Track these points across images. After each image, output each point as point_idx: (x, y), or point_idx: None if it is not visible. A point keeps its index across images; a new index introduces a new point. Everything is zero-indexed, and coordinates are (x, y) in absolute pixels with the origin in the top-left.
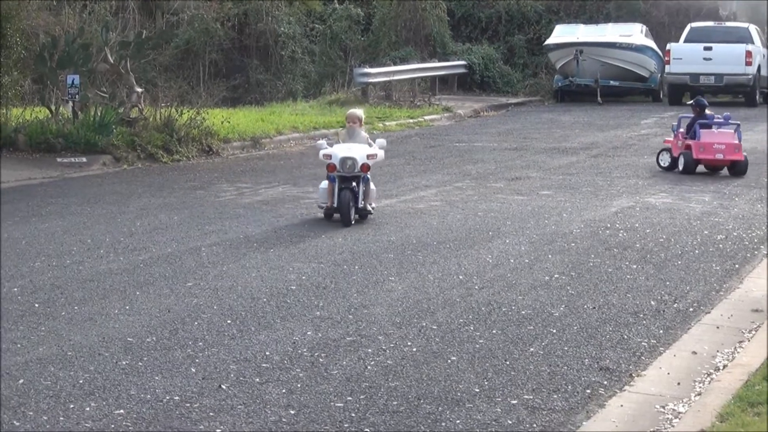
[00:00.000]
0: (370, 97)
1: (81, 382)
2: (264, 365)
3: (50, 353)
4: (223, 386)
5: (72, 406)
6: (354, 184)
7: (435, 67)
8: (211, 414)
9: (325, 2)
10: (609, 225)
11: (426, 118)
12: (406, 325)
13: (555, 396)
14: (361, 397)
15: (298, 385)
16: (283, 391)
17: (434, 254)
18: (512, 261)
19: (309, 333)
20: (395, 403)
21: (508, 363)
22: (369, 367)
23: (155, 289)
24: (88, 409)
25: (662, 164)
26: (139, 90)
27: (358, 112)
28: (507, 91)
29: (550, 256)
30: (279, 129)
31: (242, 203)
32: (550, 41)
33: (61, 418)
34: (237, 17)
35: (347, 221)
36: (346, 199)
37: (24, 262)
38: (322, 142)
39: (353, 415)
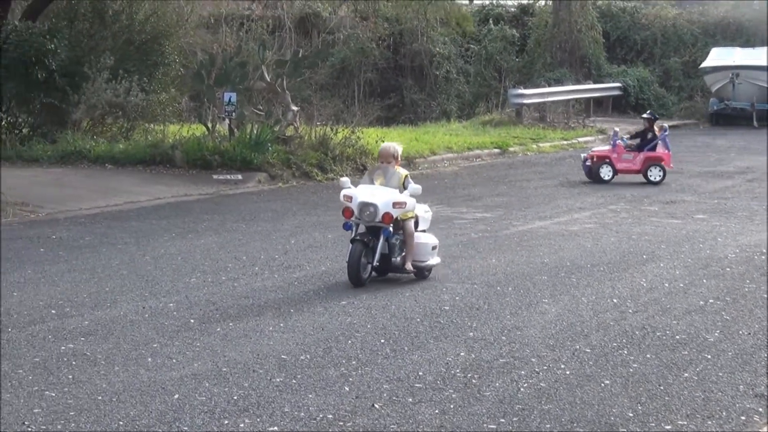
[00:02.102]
0: (524, 118)
1: (235, 398)
2: (417, 385)
3: (205, 369)
4: (376, 405)
5: (226, 422)
6: (372, 237)
7: (590, 89)
8: None
9: (480, 23)
10: (765, 250)
11: (580, 139)
12: (559, 348)
13: (709, 422)
14: (514, 419)
15: (451, 406)
16: (436, 411)
17: (588, 277)
18: (666, 285)
19: (462, 354)
20: (548, 426)
21: (662, 388)
22: (522, 390)
23: (309, 306)
24: (242, 425)
25: (604, 177)
26: (295, 108)
27: (394, 147)
28: (662, 114)
29: (704, 280)
30: (433, 149)
31: None
32: (706, 64)
33: None
34: (392, 37)
35: (356, 281)
36: (356, 254)
37: (180, 278)
38: (347, 179)
39: None
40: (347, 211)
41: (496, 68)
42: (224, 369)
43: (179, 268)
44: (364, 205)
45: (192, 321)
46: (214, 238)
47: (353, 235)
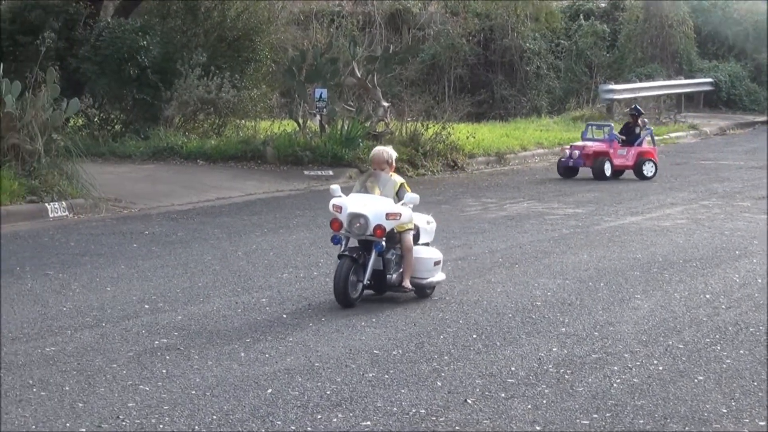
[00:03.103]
0: (615, 114)
1: (328, 393)
2: (509, 381)
3: (298, 364)
4: (469, 401)
5: (319, 416)
6: (362, 251)
7: (681, 84)
8: (456, 428)
9: (571, 18)
10: None
11: (672, 135)
12: (652, 344)
13: None
14: (607, 414)
15: (544, 402)
16: (529, 407)
17: (680, 272)
18: (760, 281)
19: (554, 349)
20: (641, 421)
21: (755, 384)
22: (615, 385)
23: (401, 301)
24: (335, 420)
25: (607, 173)
26: (386, 104)
27: (387, 152)
28: (753, 109)
29: None
30: (523, 145)
31: (487, 218)
32: None
33: (309, 428)
34: (482, 32)
35: (343, 301)
36: (343, 271)
37: (272, 273)
38: (337, 187)
39: None
40: (335, 223)
41: (587, 64)
42: (317, 364)
43: (271, 263)
44: (354, 217)
45: (284, 316)
46: (305, 234)
47: (342, 249)
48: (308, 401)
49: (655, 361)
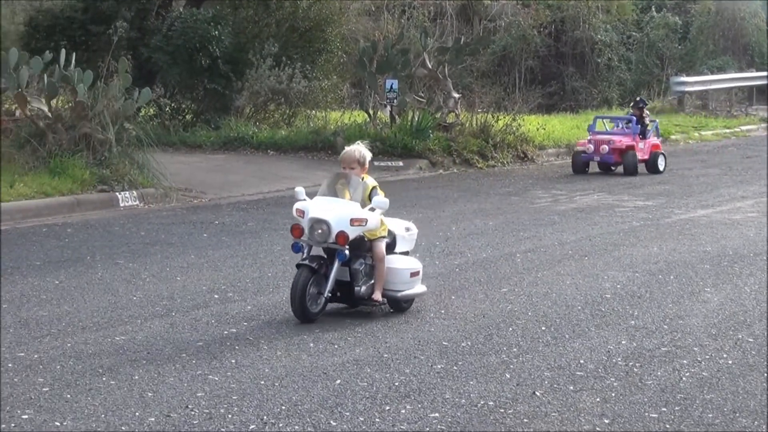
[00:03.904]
0: (686, 106)
1: (396, 384)
2: (578, 373)
3: (366, 355)
4: (537, 393)
5: (387, 407)
6: (324, 261)
7: (753, 77)
8: (525, 420)
9: (643, 10)
10: None
11: (743, 128)
12: (722, 337)
13: None
14: (676, 408)
15: (612, 395)
16: (597, 400)
17: (751, 266)
18: None
19: (623, 342)
20: (710, 415)
21: None
22: (684, 379)
23: (470, 293)
24: (403, 411)
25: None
26: (456, 95)
27: (359, 151)
28: None
29: None
30: None
31: (557, 210)
32: None
33: (377, 420)
34: (554, 24)
35: (300, 315)
36: (300, 283)
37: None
38: (301, 189)
39: (668, 426)
40: (296, 229)
41: (658, 56)
42: (386, 355)
43: None
44: (316, 222)
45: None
46: None
47: (303, 257)
48: (377, 392)
49: (725, 355)
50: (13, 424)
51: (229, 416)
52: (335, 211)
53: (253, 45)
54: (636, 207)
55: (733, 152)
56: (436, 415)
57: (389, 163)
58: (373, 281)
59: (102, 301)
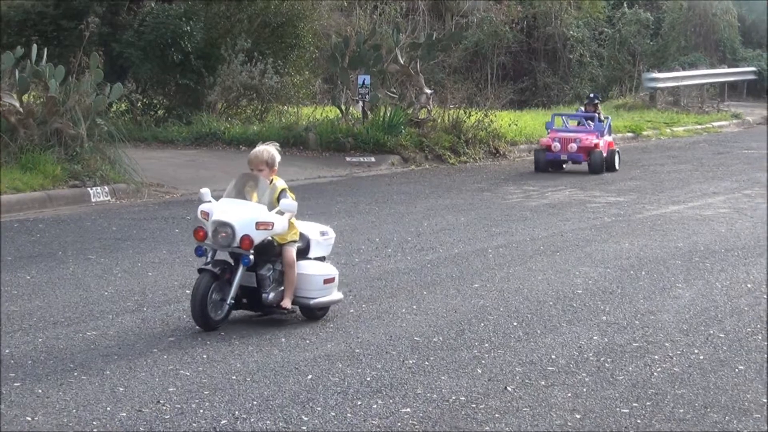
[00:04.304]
0: (658, 102)
1: (368, 379)
2: (550, 368)
3: (338, 350)
4: (509, 388)
5: (359, 402)
6: (227, 266)
7: (724, 73)
8: (497, 416)
9: (614, 6)
10: None
11: (714, 124)
12: (693, 333)
13: None
14: (648, 403)
15: (584, 390)
16: (569, 395)
17: (722, 262)
18: None
19: (595, 338)
20: (681, 411)
21: None
22: (655, 374)
23: (442, 289)
24: (375, 406)
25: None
26: (428, 91)
27: (268, 151)
28: None
29: None
30: None
31: (529, 206)
32: None
33: (349, 415)
34: (526, 20)
35: (201, 322)
36: (200, 289)
37: None
38: (207, 191)
39: (639, 421)
40: (199, 232)
41: (630, 52)
42: (357, 350)
43: None
44: (220, 225)
45: None
46: (347, 220)
47: (206, 262)
48: (348, 387)
49: (696, 351)
50: None
51: (201, 411)
52: (240, 214)
53: (225, 40)
54: (608, 203)
55: (705, 148)
56: (408, 410)
57: (361, 159)
58: (282, 288)
59: (73, 296)
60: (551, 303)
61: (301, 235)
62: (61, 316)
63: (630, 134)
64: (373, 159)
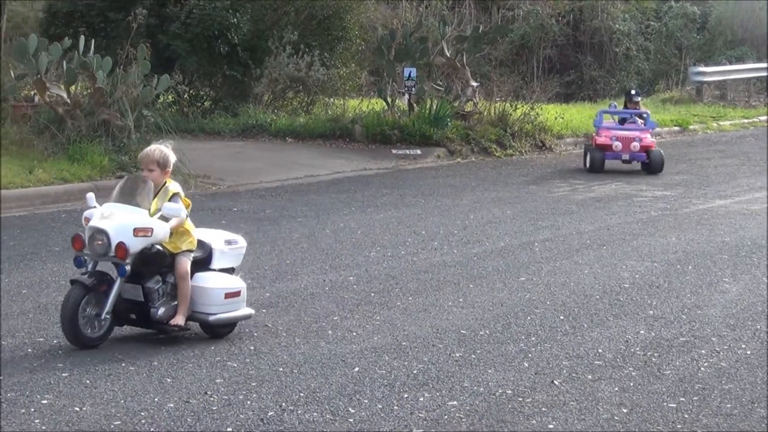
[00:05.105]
0: (704, 96)
1: (415, 372)
2: (597, 362)
3: (385, 342)
4: (556, 382)
5: (406, 395)
6: (106, 278)
7: None
8: (543, 409)
9: (661, 0)
10: None
11: (761, 118)
12: (740, 328)
13: None
14: (694, 398)
15: (631, 384)
16: (616, 389)
17: None
18: None
19: (642, 332)
20: (729, 405)
21: None
22: (702, 369)
23: (488, 282)
24: (421, 399)
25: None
26: (474, 84)
27: (159, 150)
28: None
29: None
30: None
31: (575, 199)
32: None
33: (395, 407)
34: (572, 13)
35: (72, 338)
36: (69, 302)
37: (360, 252)
38: (91, 195)
39: (686, 416)
40: (77, 241)
41: (677, 45)
42: (404, 343)
43: (359, 242)
44: (96, 232)
45: (372, 295)
46: (393, 213)
47: (84, 272)
48: (395, 380)
49: (743, 345)
50: (32, 409)
51: (248, 402)
52: (116, 220)
53: (272, 33)
54: (654, 197)
55: (752, 142)
56: (455, 403)
57: (407, 152)
58: (176, 302)
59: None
60: (597, 297)
61: (203, 244)
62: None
63: (676, 128)
64: (419, 151)
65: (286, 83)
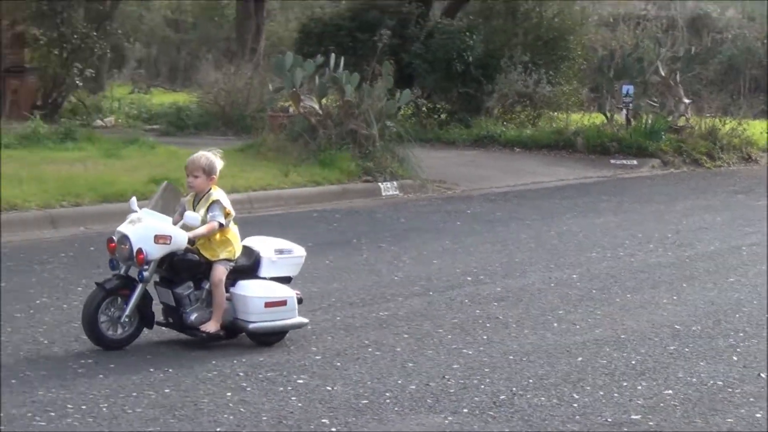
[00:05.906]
0: None
1: (633, 362)
2: None
3: (605, 335)
4: (762, 375)
5: (625, 384)
6: (129, 282)
7: None
8: (751, 400)
9: None
10: None
11: None
12: None
13: None
14: None
15: None
16: None
17: None
18: None
19: None
20: None
21: None
22: None
23: (700, 282)
24: (639, 387)
25: None
26: (687, 101)
27: (207, 157)
28: None
29: None
30: None
31: None
32: None
33: (615, 395)
34: None
35: (93, 338)
36: (90, 305)
37: (582, 252)
38: (134, 200)
39: None
40: (110, 244)
41: None
42: (623, 336)
43: (581, 243)
44: (121, 238)
45: (593, 291)
46: (612, 218)
47: (114, 275)
48: (615, 370)
49: None
50: (289, 387)
51: (482, 386)
52: (140, 226)
53: (503, 52)
54: None
55: None
56: (670, 392)
57: (624, 162)
58: (210, 309)
59: (367, 280)
60: None
61: (251, 252)
62: (357, 298)
63: None
64: (635, 162)
65: (514, 98)
